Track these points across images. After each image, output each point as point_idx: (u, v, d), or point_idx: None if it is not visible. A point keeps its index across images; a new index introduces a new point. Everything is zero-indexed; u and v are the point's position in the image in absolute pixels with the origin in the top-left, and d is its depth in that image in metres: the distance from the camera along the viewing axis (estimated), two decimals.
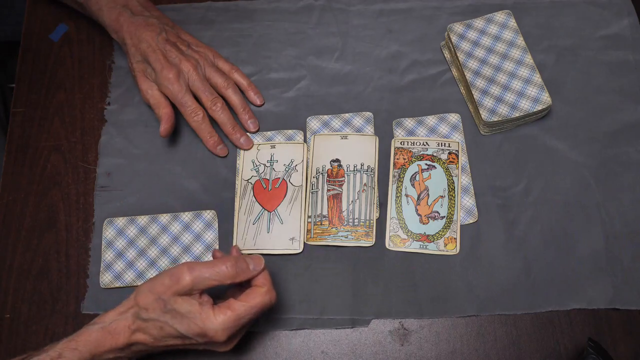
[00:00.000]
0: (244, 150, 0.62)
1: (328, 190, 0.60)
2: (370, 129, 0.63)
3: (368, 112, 0.64)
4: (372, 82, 0.66)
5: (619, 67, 0.65)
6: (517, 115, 0.60)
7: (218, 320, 0.46)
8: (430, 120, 0.63)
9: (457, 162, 0.60)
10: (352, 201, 0.59)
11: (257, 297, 0.47)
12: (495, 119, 0.60)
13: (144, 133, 0.64)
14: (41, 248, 0.60)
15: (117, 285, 0.57)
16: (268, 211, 0.59)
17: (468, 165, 0.61)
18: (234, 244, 0.58)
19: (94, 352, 0.46)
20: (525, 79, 0.61)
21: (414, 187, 0.60)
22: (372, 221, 0.58)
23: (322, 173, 0.61)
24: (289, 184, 0.60)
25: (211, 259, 0.56)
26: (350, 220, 0.58)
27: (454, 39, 0.64)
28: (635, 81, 0.64)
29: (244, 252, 0.58)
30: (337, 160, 0.61)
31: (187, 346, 0.48)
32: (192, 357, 0.54)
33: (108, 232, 0.59)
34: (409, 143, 0.62)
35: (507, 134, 0.62)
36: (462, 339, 0.55)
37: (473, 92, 0.61)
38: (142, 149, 0.64)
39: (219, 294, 0.51)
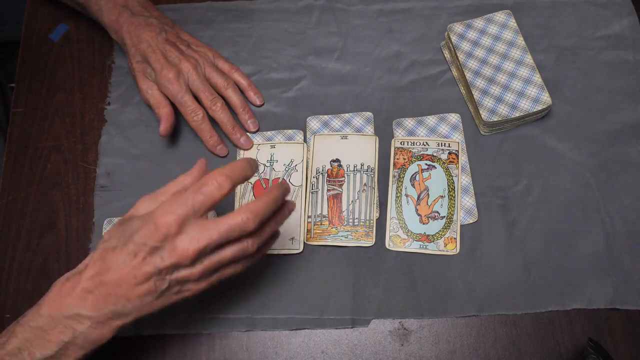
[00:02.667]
0: (244, 150, 0.62)
1: (328, 190, 0.60)
2: (370, 129, 0.63)
3: (368, 112, 0.64)
4: (372, 82, 0.66)
5: (619, 67, 0.65)
6: (517, 115, 0.60)
7: (162, 205, 0.42)
8: (430, 120, 0.63)
9: (457, 162, 0.60)
10: (352, 201, 0.59)
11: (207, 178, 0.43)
12: (495, 119, 0.60)
13: (144, 133, 0.64)
14: (41, 248, 0.60)
15: None
16: None
17: (468, 165, 0.61)
18: None
19: (52, 305, 0.42)
20: (525, 79, 0.61)
21: (414, 187, 0.60)
22: (372, 221, 0.58)
23: (322, 173, 0.61)
24: (289, 184, 0.60)
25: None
26: (350, 220, 0.58)
27: (454, 39, 0.64)
28: (635, 81, 0.64)
29: None
30: (337, 160, 0.61)
31: (152, 285, 0.42)
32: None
33: None
34: (409, 143, 0.62)
35: (507, 134, 0.62)
36: (462, 339, 0.55)
37: (473, 92, 0.61)
38: (142, 149, 0.64)
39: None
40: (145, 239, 0.41)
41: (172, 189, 0.46)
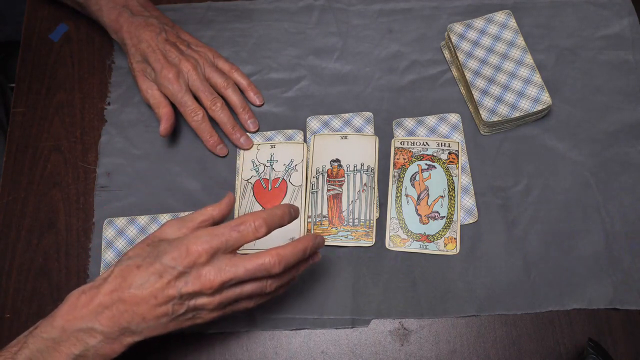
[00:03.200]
0: (244, 150, 0.62)
1: (328, 190, 0.60)
2: (370, 129, 0.63)
3: (368, 112, 0.64)
4: (372, 82, 0.66)
5: (619, 67, 0.65)
6: (517, 115, 0.60)
7: (195, 233, 0.44)
8: (430, 120, 0.63)
9: (457, 162, 0.60)
10: (352, 201, 0.59)
11: (242, 219, 0.44)
12: (495, 119, 0.60)
13: (144, 133, 0.64)
14: (41, 248, 0.60)
15: None
16: None
17: (468, 165, 0.61)
18: None
19: (65, 317, 0.42)
20: (525, 79, 0.61)
21: (414, 187, 0.60)
22: (372, 221, 0.58)
23: (322, 173, 0.61)
24: (288, 183, 0.60)
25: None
26: (350, 220, 0.58)
27: (454, 39, 0.64)
28: (635, 81, 0.64)
29: (243, 252, 0.58)
30: (337, 160, 0.61)
31: (170, 307, 0.42)
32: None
33: (108, 232, 0.59)
34: (409, 143, 0.62)
35: (507, 134, 0.62)
36: (462, 339, 0.55)
37: (473, 92, 0.61)
38: (142, 149, 0.64)
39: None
40: (175, 262, 0.42)
41: (199, 218, 0.46)
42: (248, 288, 0.45)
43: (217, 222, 0.47)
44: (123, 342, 0.43)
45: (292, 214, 0.47)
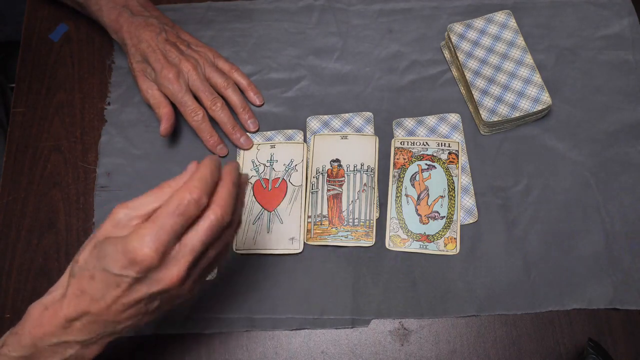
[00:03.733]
0: (244, 150, 0.62)
1: (328, 190, 0.60)
2: (370, 129, 0.63)
3: (368, 112, 0.64)
4: (372, 82, 0.66)
5: (619, 67, 0.65)
6: (517, 115, 0.60)
7: (137, 233, 0.37)
8: (430, 120, 0.63)
9: (457, 162, 0.60)
10: (352, 201, 0.59)
11: (175, 194, 0.38)
12: (495, 119, 0.60)
13: (144, 133, 0.64)
14: (41, 248, 0.60)
15: None
16: (268, 211, 0.59)
17: (468, 165, 0.61)
18: (234, 244, 0.58)
19: (33, 334, 0.40)
20: (525, 79, 0.61)
21: (414, 187, 0.60)
22: (372, 221, 0.58)
23: (322, 173, 0.61)
24: (288, 183, 0.60)
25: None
26: (350, 220, 0.58)
27: (454, 39, 0.64)
28: (635, 81, 0.64)
29: (243, 252, 0.58)
30: (337, 160, 0.61)
31: (132, 301, 0.39)
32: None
33: None
34: (409, 143, 0.62)
35: (507, 134, 0.62)
36: (462, 339, 0.55)
37: (473, 92, 0.61)
38: (142, 149, 0.64)
39: None
40: (124, 271, 0.37)
41: (150, 204, 0.40)
42: (212, 253, 0.41)
43: (192, 205, 0.38)
44: (104, 342, 0.41)
45: (218, 164, 0.40)
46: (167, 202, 0.38)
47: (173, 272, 0.38)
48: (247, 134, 0.63)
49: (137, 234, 0.37)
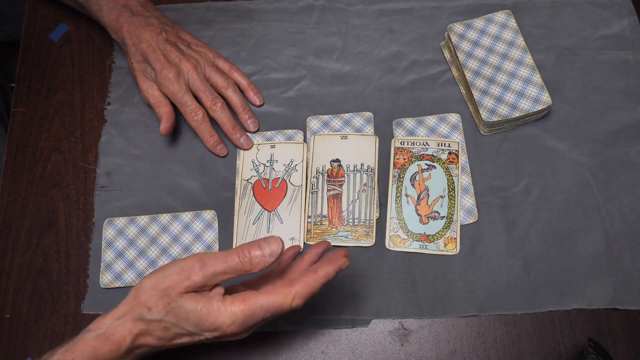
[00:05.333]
0: (244, 150, 0.62)
1: (328, 190, 0.60)
2: (370, 129, 0.63)
3: (368, 112, 0.64)
4: (372, 82, 0.66)
5: (619, 67, 0.65)
6: (517, 115, 0.60)
7: (229, 313, 0.42)
8: (430, 120, 0.63)
9: (457, 162, 0.60)
10: (352, 201, 0.59)
11: (275, 295, 0.42)
12: (495, 119, 0.60)
13: (144, 133, 0.64)
14: (41, 248, 0.60)
15: (117, 285, 0.57)
16: (268, 211, 0.59)
17: (468, 165, 0.61)
18: (234, 244, 0.58)
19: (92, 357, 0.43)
20: (525, 79, 0.61)
21: (414, 187, 0.60)
22: (372, 221, 0.58)
23: (322, 173, 0.61)
24: (288, 183, 0.60)
25: None
26: (350, 220, 0.58)
27: (454, 39, 0.64)
28: (635, 81, 0.64)
29: None
30: (337, 160, 0.61)
31: (197, 342, 0.45)
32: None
33: (108, 232, 0.59)
34: (409, 143, 0.62)
35: (507, 134, 0.62)
36: (462, 339, 0.55)
37: (473, 92, 0.61)
38: (142, 149, 0.64)
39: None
40: (205, 334, 0.43)
41: (222, 276, 0.43)
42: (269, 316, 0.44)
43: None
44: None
45: (346, 259, 0.47)
46: (270, 297, 0.42)
47: (242, 336, 0.45)
48: (247, 134, 0.63)
49: (230, 314, 0.42)
